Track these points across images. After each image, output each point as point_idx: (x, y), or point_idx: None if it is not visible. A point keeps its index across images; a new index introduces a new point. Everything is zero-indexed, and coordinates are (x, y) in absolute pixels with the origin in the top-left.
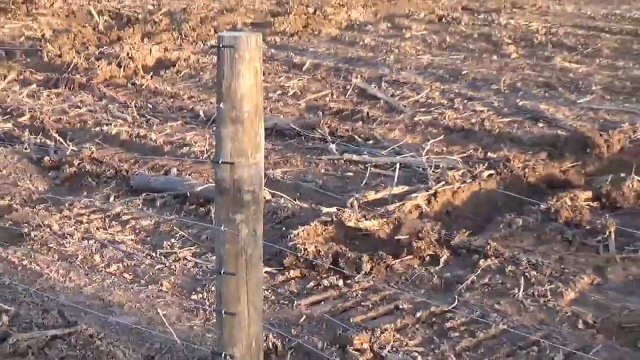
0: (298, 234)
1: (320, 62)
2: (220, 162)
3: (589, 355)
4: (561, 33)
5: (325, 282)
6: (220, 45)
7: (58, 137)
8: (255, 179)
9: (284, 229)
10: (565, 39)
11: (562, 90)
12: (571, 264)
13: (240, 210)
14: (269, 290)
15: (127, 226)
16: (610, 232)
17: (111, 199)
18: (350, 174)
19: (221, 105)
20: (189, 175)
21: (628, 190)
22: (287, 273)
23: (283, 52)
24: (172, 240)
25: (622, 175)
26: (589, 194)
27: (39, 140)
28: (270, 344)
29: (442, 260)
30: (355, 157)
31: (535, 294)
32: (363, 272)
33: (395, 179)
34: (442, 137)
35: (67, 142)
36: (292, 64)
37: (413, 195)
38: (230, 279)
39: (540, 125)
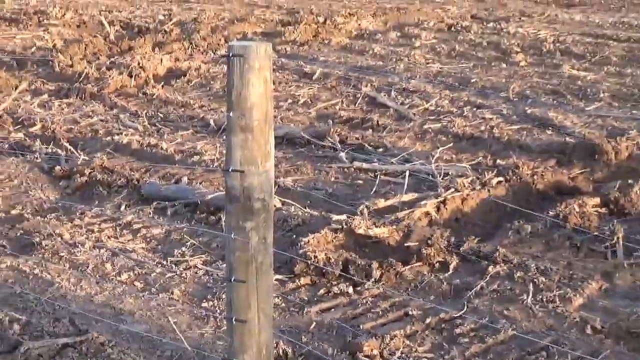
0: (308, 241)
1: (330, 71)
2: (230, 170)
3: None
4: (569, 41)
5: (336, 289)
6: (230, 55)
7: (69, 147)
8: (265, 187)
9: (294, 236)
10: (574, 47)
11: (571, 97)
12: (579, 269)
13: (250, 218)
14: (280, 298)
15: (138, 235)
16: (618, 238)
17: (122, 207)
18: (360, 181)
19: (231, 113)
20: (200, 183)
21: (636, 197)
22: (297, 280)
23: (293, 61)
24: (183, 249)
25: (630, 181)
26: (597, 200)
27: (50, 150)
28: (281, 351)
29: (451, 266)
30: (365, 165)
31: (544, 299)
32: (373, 279)
33: (405, 187)
34: (451, 144)
35: (78, 151)
36: (303, 73)
37: (422, 202)
38: (241, 286)
39: (549, 132)
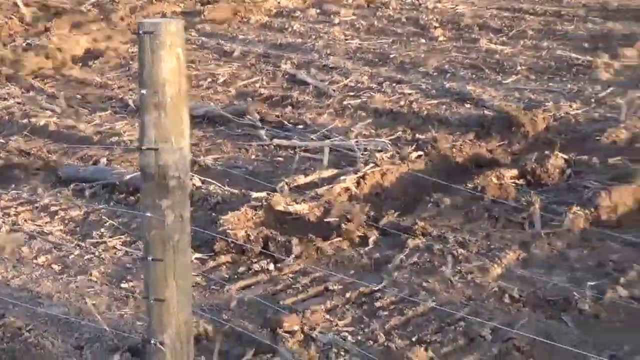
0: (228, 219)
1: (250, 49)
2: (144, 148)
3: (514, 329)
4: (487, 16)
5: (256, 267)
6: (141, 32)
7: None
8: (181, 165)
9: (214, 215)
10: (491, 21)
11: (488, 71)
12: (497, 240)
13: (165, 196)
14: (200, 276)
15: (56, 217)
16: (535, 209)
17: (39, 190)
18: (280, 159)
19: (143, 91)
20: (119, 164)
21: (552, 168)
22: (217, 258)
23: (213, 40)
24: (102, 230)
25: (547, 152)
26: (514, 172)
27: None
28: (202, 329)
29: (371, 241)
30: (285, 142)
31: (463, 271)
32: (293, 255)
33: (325, 163)
34: (370, 120)
35: None
36: (222, 52)
37: (342, 178)
38: (158, 265)
39: (467, 106)
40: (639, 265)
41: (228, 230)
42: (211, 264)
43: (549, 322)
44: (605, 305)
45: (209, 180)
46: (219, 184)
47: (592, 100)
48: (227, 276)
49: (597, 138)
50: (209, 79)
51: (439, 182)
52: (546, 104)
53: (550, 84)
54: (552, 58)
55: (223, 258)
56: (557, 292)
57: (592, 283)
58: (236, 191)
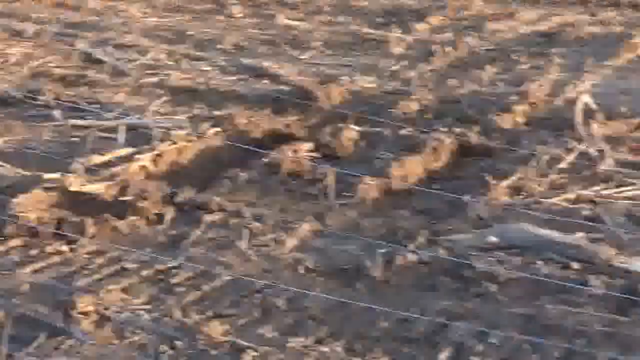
0: (19, 202)
1: (43, 27)
2: None
3: (309, 298)
4: None
5: (49, 249)
6: None
7: None
8: None
9: (5, 198)
10: None
11: (286, 47)
12: (293, 213)
13: None
14: None
15: None
16: (329, 181)
17: None
18: (76, 139)
19: None
20: None
21: (346, 140)
22: (8, 242)
23: (4, 19)
24: None
25: (341, 125)
26: (310, 145)
27: None
28: None
29: (167, 218)
30: (80, 122)
31: (259, 244)
32: (88, 236)
33: (121, 142)
34: (168, 97)
35: None
36: (14, 31)
37: (138, 156)
38: None
39: (265, 81)
40: (427, 231)
41: (19, 213)
42: (1, 248)
43: (343, 290)
44: (395, 271)
45: (1, 163)
46: (11, 167)
47: (385, 73)
48: (18, 260)
49: (390, 110)
50: (0, 60)
51: (235, 158)
52: (341, 78)
53: (345, 58)
54: (346, 33)
55: (14, 242)
56: (350, 260)
57: (383, 250)
58: (28, 173)
